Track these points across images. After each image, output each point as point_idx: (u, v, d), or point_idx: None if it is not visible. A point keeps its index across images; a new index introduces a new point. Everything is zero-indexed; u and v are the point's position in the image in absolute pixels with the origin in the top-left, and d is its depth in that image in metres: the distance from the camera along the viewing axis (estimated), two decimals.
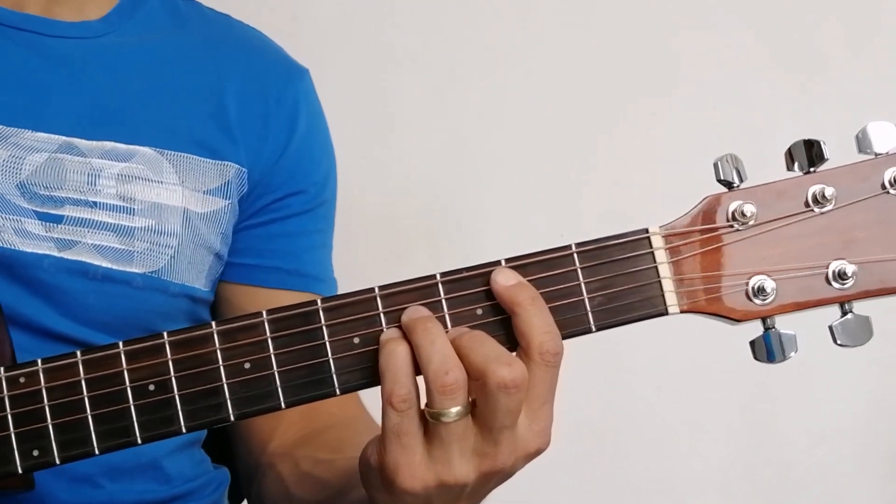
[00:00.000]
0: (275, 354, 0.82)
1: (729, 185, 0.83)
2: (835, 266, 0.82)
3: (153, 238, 1.04)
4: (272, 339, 0.82)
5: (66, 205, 1.01)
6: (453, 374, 0.78)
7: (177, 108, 1.10)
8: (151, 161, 1.06)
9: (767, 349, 0.83)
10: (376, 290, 0.83)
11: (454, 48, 1.76)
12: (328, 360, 0.82)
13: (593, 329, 0.83)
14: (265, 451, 1.13)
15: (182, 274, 1.06)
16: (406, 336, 0.81)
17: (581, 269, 0.83)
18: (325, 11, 1.72)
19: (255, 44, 1.20)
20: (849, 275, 0.82)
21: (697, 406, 1.80)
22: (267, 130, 1.14)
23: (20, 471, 0.82)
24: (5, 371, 0.82)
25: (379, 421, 0.81)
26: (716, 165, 0.83)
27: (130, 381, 0.82)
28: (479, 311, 0.82)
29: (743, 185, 0.83)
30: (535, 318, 0.80)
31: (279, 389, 0.82)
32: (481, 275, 0.82)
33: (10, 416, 0.82)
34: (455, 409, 0.78)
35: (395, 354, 0.80)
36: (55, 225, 1.01)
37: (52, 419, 0.82)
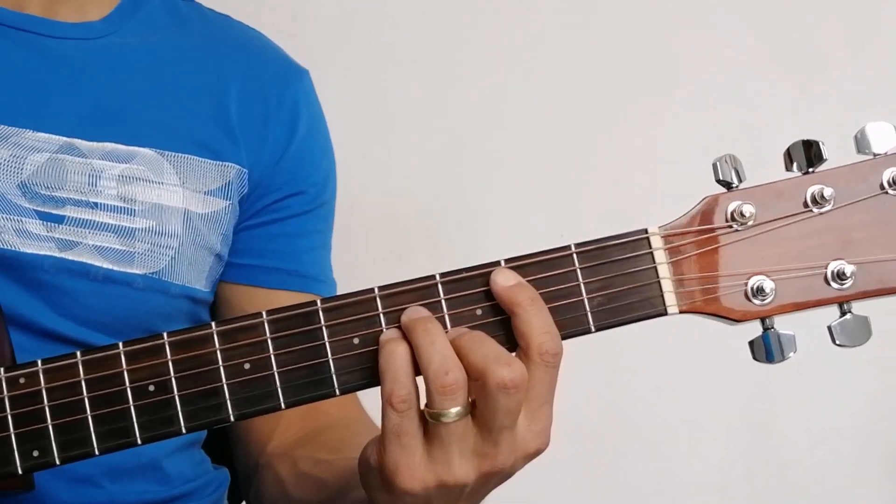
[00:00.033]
0: (275, 355, 0.82)
1: (728, 185, 0.83)
2: (834, 266, 0.82)
3: (154, 239, 1.04)
4: (272, 339, 0.82)
5: (67, 205, 1.01)
6: (453, 374, 0.78)
7: (177, 109, 1.10)
8: (152, 162, 1.06)
9: (766, 349, 0.83)
10: (376, 290, 0.83)
11: (454, 48, 1.76)
12: (328, 361, 0.82)
13: (593, 329, 0.83)
14: (264, 452, 1.13)
15: (182, 275, 1.07)
16: (406, 336, 0.81)
17: (580, 269, 0.83)
18: (325, 11, 1.72)
19: (255, 44, 1.20)
20: (847, 275, 0.82)
21: (697, 406, 1.80)
22: (267, 131, 1.14)
23: (20, 471, 0.82)
24: (5, 372, 0.82)
25: (378, 422, 0.81)
26: (715, 166, 0.83)
27: (130, 382, 0.82)
28: (479, 312, 0.83)
29: (742, 186, 0.83)
30: (535, 318, 0.80)
31: (279, 390, 0.82)
32: (481, 275, 0.83)
33: (10, 417, 0.82)
34: (455, 410, 0.78)
35: (395, 355, 0.80)
36: (56, 225, 1.01)
37: (52, 420, 0.82)
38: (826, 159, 0.83)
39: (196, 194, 1.08)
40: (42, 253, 1.00)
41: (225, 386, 0.82)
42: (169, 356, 0.82)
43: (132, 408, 0.82)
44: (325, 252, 1.20)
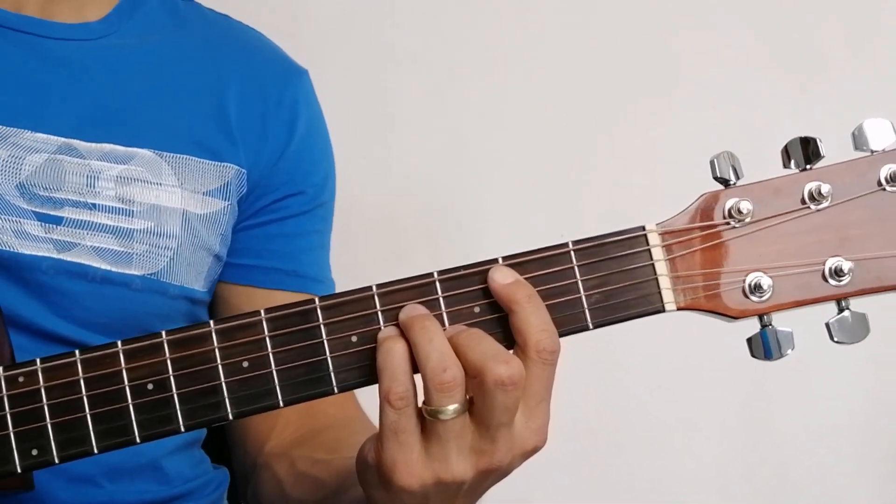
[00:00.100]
0: (273, 353, 0.82)
1: (725, 182, 0.83)
2: (831, 263, 0.82)
3: (152, 240, 1.04)
4: (270, 337, 0.82)
5: (65, 206, 1.01)
6: (451, 371, 0.78)
7: (176, 110, 1.10)
8: (150, 163, 1.06)
9: (764, 346, 0.83)
10: (374, 288, 0.83)
11: (454, 48, 1.75)
12: (326, 359, 0.82)
13: (590, 326, 0.83)
14: (262, 452, 1.13)
15: (181, 276, 1.07)
16: (404, 334, 0.81)
17: (578, 266, 0.83)
18: (325, 11, 1.72)
19: (254, 44, 1.20)
20: (845, 272, 0.82)
21: (694, 404, 1.80)
22: (266, 131, 1.14)
23: (19, 470, 0.82)
24: (4, 371, 0.82)
25: (376, 421, 0.81)
26: (712, 163, 0.83)
27: (129, 381, 0.82)
28: (477, 309, 0.83)
29: (739, 183, 0.83)
30: (532, 315, 0.80)
31: (277, 388, 0.82)
32: (478, 273, 0.83)
33: (8, 416, 0.82)
34: (452, 407, 0.78)
35: (393, 352, 0.80)
36: (54, 226, 1.01)
37: (50, 418, 0.82)
38: (823, 156, 0.83)
39: (194, 195, 1.08)
40: (40, 254, 1.00)
41: (223, 384, 0.82)
42: (167, 354, 0.82)
43: (131, 406, 0.82)
44: (324, 252, 1.21)
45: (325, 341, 0.82)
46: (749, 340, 0.83)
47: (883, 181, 0.82)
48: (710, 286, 0.83)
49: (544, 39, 1.77)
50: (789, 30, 1.81)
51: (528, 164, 1.75)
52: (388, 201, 1.73)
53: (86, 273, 1.01)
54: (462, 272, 0.83)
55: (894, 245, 0.82)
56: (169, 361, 0.82)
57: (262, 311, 0.83)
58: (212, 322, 0.83)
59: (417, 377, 0.80)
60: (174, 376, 0.82)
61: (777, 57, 1.81)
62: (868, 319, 0.83)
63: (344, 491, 0.95)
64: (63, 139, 1.03)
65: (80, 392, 0.82)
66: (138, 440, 0.82)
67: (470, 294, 0.83)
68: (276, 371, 0.82)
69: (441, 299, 0.82)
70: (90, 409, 0.82)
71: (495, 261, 0.83)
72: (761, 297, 0.83)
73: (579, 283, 0.83)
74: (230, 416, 0.83)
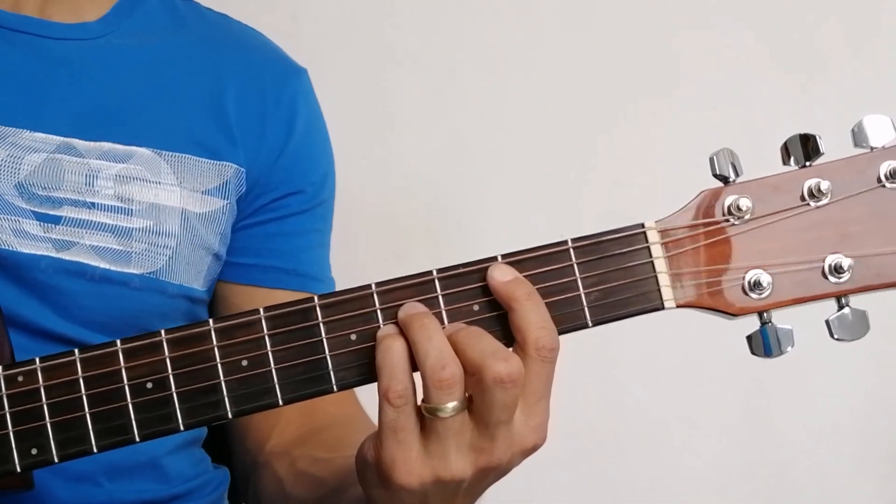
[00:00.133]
0: (272, 351, 0.82)
1: (725, 179, 0.83)
2: (831, 260, 0.82)
3: (151, 239, 1.04)
4: (269, 336, 0.82)
5: (64, 205, 1.01)
6: (450, 369, 0.78)
7: (175, 109, 1.10)
8: (149, 162, 1.06)
9: (764, 344, 0.83)
10: (373, 286, 0.83)
11: (454, 48, 1.76)
12: (325, 357, 0.82)
13: (590, 324, 0.83)
14: (262, 451, 1.13)
15: (180, 275, 1.06)
16: (403, 332, 0.81)
17: (577, 264, 0.83)
18: (325, 11, 1.72)
19: (253, 44, 1.20)
20: (845, 269, 0.82)
21: (693, 402, 1.80)
22: (265, 130, 1.14)
23: (18, 469, 0.82)
24: (3, 370, 0.82)
25: (376, 420, 0.81)
26: (711, 160, 0.83)
27: (128, 379, 0.82)
28: (476, 307, 0.83)
29: (739, 180, 0.83)
30: (532, 313, 0.80)
31: (277, 386, 0.82)
32: (478, 271, 0.83)
33: (8, 415, 0.82)
34: (451, 405, 0.78)
35: (392, 350, 0.80)
36: (53, 226, 1.01)
37: (50, 417, 0.82)
38: (823, 153, 0.83)
39: (193, 194, 1.08)
40: (39, 253, 1.00)
41: (223, 383, 0.82)
42: (167, 353, 0.82)
43: (130, 405, 0.82)
44: (324, 251, 1.20)
45: (325, 340, 0.82)
46: (749, 338, 0.83)
47: (883, 178, 0.82)
48: (709, 283, 0.83)
49: (544, 39, 1.77)
50: (789, 30, 1.81)
51: (528, 164, 1.75)
52: (388, 201, 1.73)
53: (85, 272, 1.01)
54: (461, 270, 0.83)
55: (894, 242, 0.82)
56: (168, 360, 0.82)
57: (262, 310, 0.82)
58: (211, 321, 0.83)
59: (417, 375, 0.80)
60: (173, 375, 0.82)
61: (777, 57, 1.81)
62: (868, 316, 0.83)
63: (344, 489, 0.95)
64: (62, 138, 1.03)
65: (80, 391, 0.82)
66: (138, 439, 0.82)
67: (469, 292, 0.83)
68: (276, 369, 0.82)
69: (440, 297, 0.82)
70: (89, 408, 0.82)
71: (494, 258, 0.83)
72: (761, 294, 0.82)
73: (578, 280, 0.83)
74: (229, 415, 0.83)
